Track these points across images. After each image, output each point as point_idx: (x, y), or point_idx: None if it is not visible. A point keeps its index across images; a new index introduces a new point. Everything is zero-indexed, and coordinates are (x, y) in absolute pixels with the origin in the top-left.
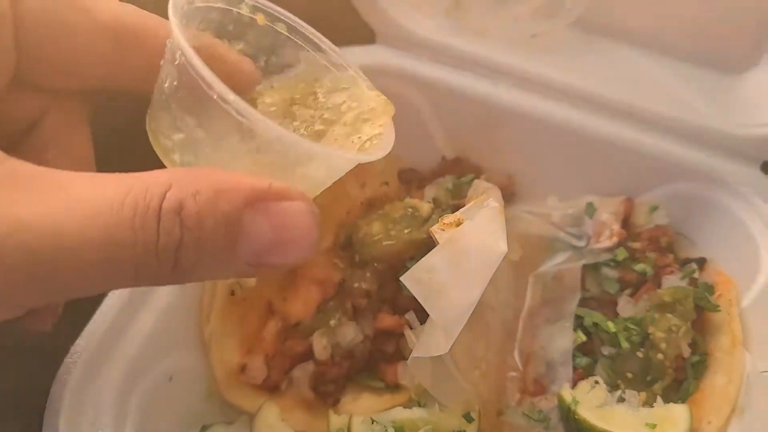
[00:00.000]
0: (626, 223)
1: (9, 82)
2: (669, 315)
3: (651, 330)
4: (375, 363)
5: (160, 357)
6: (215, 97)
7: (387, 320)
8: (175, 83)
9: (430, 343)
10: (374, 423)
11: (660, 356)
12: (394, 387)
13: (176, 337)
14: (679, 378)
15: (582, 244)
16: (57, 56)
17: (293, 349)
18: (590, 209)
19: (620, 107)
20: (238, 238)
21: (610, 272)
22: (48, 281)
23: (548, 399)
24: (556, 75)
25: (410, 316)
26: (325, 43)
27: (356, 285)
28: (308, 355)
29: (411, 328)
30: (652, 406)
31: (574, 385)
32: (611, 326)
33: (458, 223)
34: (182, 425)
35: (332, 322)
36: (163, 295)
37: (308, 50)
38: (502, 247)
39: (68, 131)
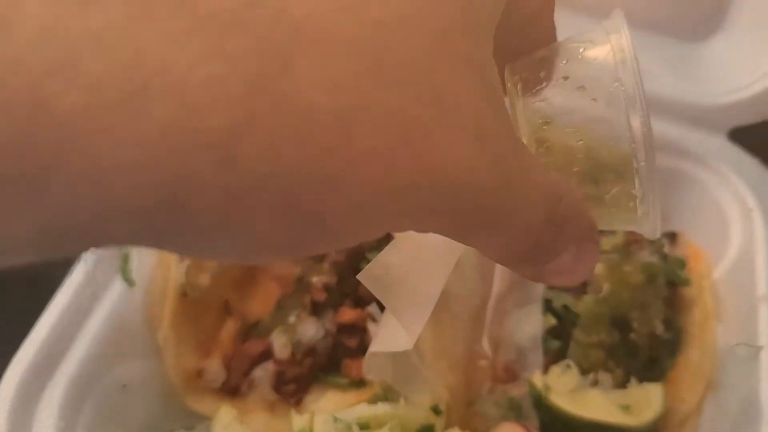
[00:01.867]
0: None
1: None
2: (640, 293)
3: (622, 309)
4: (338, 359)
5: (109, 365)
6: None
7: (348, 314)
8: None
9: (389, 338)
10: (337, 421)
11: (633, 336)
12: (359, 382)
13: (126, 343)
14: (654, 356)
15: None
16: None
17: (252, 349)
18: None
19: None
20: (557, 254)
21: None
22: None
23: (520, 386)
24: None
25: (373, 308)
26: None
27: (315, 279)
28: (268, 354)
29: (374, 321)
30: (626, 388)
31: (545, 369)
32: (581, 308)
33: None
34: None
35: (291, 319)
36: (109, 300)
37: None
38: None
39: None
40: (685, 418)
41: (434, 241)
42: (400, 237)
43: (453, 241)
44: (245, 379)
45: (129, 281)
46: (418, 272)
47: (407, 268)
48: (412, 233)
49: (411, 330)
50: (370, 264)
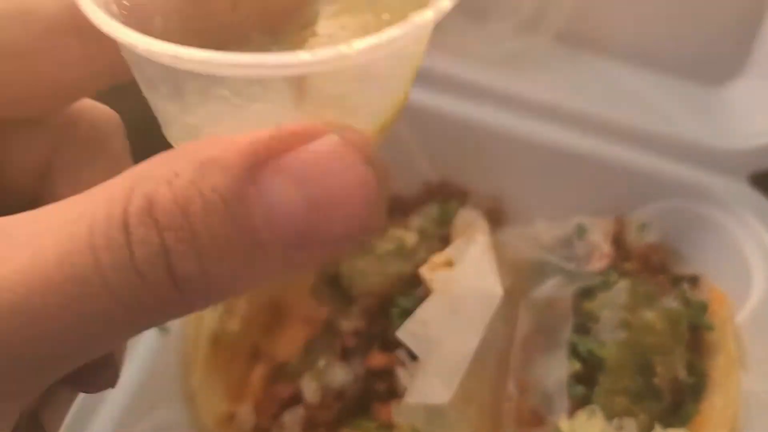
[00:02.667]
0: (617, 242)
1: None
2: (663, 337)
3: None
4: (367, 402)
5: (145, 413)
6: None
7: (378, 359)
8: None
9: (426, 390)
10: None
11: (656, 380)
12: (388, 426)
13: (161, 390)
14: (678, 401)
15: (572, 266)
16: (13, 79)
17: (281, 392)
18: (580, 231)
19: (603, 123)
20: (252, 215)
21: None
22: (31, 357)
23: (546, 430)
24: (538, 93)
25: (401, 353)
26: None
27: (345, 324)
28: (297, 398)
29: (403, 365)
30: None
31: (571, 413)
32: (605, 353)
33: (448, 263)
34: None
35: (321, 364)
36: (144, 347)
37: None
38: (498, 290)
39: (79, 166)
40: None
41: (471, 293)
42: (438, 291)
43: (486, 297)
44: (276, 423)
45: (164, 328)
46: (456, 327)
47: (445, 323)
48: (448, 286)
49: (449, 383)
50: (408, 320)
